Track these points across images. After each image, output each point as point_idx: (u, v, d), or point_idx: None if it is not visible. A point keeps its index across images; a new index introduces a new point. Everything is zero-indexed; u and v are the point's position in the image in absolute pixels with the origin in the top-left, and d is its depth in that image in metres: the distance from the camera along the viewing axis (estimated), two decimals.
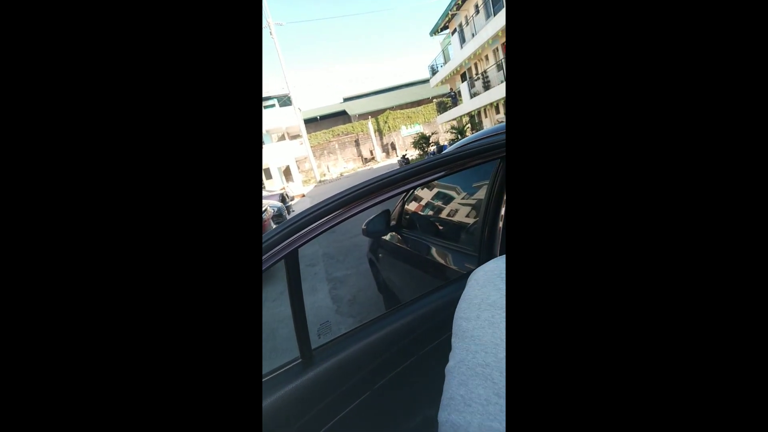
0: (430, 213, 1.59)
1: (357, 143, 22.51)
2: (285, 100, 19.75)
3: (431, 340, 0.88)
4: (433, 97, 22.01)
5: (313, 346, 0.77)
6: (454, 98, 16.95)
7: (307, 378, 0.71)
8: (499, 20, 11.31)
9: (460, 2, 13.90)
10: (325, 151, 22.24)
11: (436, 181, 1.64)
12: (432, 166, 0.77)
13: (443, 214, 1.50)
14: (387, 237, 1.85)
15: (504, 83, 11.68)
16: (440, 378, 0.30)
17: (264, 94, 19.97)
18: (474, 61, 15.22)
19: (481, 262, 1.01)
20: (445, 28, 16.51)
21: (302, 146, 18.92)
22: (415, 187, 0.79)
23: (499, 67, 12.30)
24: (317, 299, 3.15)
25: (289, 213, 7.64)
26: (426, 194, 1.68)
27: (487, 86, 13.18)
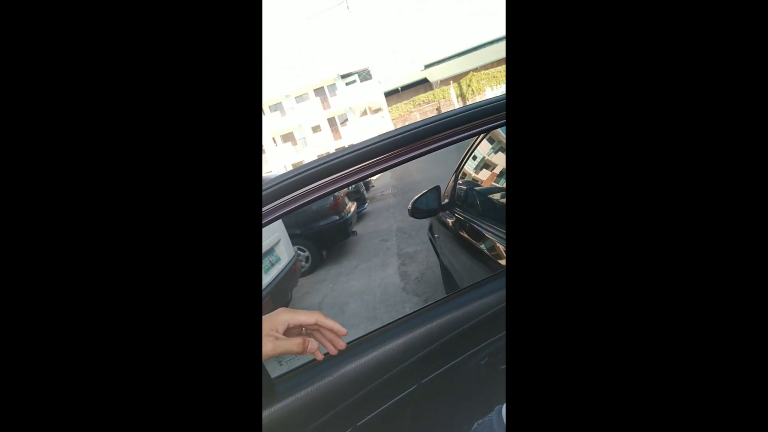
0: (487, 188, 1.39)
1: (439, 111, 21.71)
2: (365, 75, 19.89)
3: (466, 347, 0.75)
4: None
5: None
6: None
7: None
8: None
9: None
10: (407, 122, 22.02)
11: (494, 150, 1.41)
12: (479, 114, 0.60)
13: (501, 190, 1.29)
14: (442, 217, 1.69)
15: None
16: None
17: (344, 71, 20.39)
18: None
19: None
20: None
21: (383, 120, 19.00)
22: (449, 144, 0.61)
23: None
24: (387, 275, 3.16)
25: (368, 190, 7.80)
26: (482, 165, 1.47)
27: None
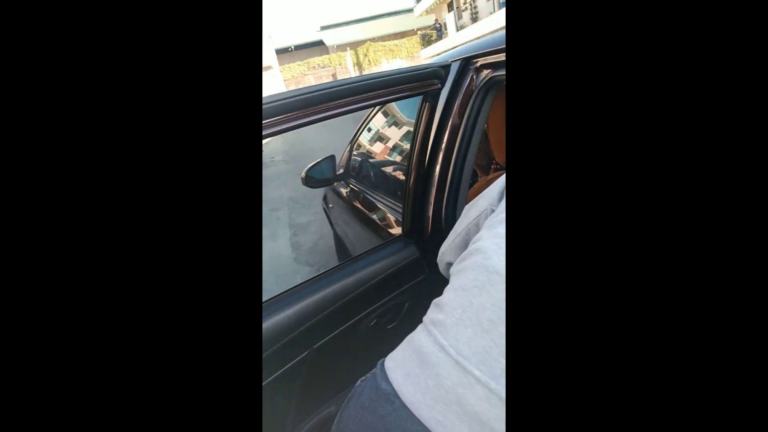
0: (381, 161, 1.43)
1: (334, 78, 21.11)
2: None
3: (356, 311, 0.78)
4: (417, 29, 20.42)
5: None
6: (440, 30, 15.81)
7: None
8: None
9: None
10: (300, 86, 20.86)
11: (388, 124, 1.46)
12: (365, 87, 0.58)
13: (393, 164, 1.34)
14: (336, 187, 1.70)
15: (492, 14, 10.83)
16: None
17: None
18: None
19: (405, 223, 0.89)
20: None
21: (274, 79, 17.60)
22: (346, 113, 0.60)
23: None
24: (277, 246, 3.06)
25: None
26: (376, 138, 1.51)
27: (475, 18, 12.21)
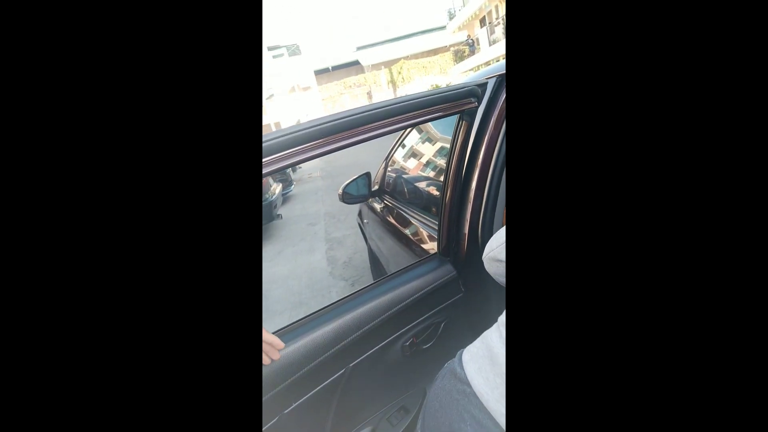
0: (415, 177, 1.44)
1: (370, 96, 21.61)
2: (294, 50, 18.84)
3: (392, 330, 0.78)
4: (450, 45, 20.56)
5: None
6: (472, 46, 15.81)
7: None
8: None
9: None
10: (337, 105, 21.52)
11: (423, 140, 1.46)
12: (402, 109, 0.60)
13: (428, 180, 1.34)
14: (371, 203, 1.72)
15: None
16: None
17: (272, 44, 19.06)
18: (495, 3, 13.91)
19: (441, 241, 0.88)
20: None
21: (313, 99, 18.32)
22: (378, 136, 0.61)
23: None
24: (314, 260, 3.12)
25: (294, 171, 7.52)
26: (411, 154, 1.52)
27: None
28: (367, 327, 0.74)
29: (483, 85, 0.68)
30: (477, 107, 0.68)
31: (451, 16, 17.16)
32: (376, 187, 1.65)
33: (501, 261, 0.56)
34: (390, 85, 21.23)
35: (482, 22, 14.97)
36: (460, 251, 0.86)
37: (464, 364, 0.46)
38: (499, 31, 12.62)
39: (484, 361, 0.44)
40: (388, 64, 21.49)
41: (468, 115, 0.70)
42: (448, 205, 0.83)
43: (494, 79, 0.78)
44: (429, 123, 1.38)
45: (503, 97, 0.76)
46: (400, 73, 20.95)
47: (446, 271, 0.85)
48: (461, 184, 0.81)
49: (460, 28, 17.20)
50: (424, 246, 1.14)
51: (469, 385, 0.43)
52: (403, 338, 0.81)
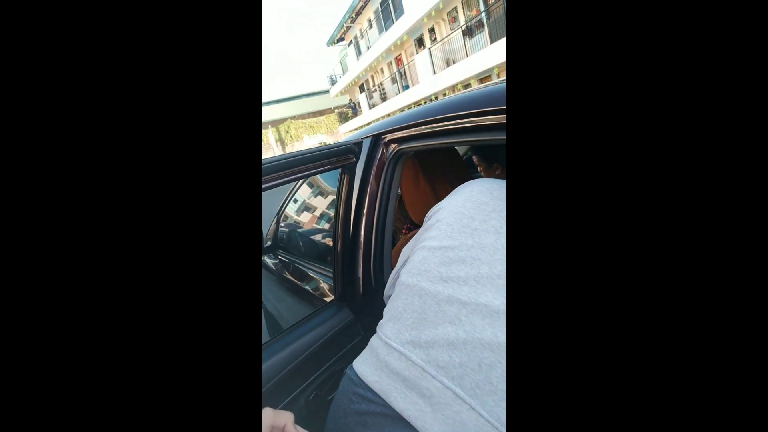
0: (310, 230, 1.46)
1: None
2: None
3: (294, 386, 0.75)
4: (334, 107, 22.08)
5: None
6: (354, 108, 17.26)
7: None
8: (392, 35, 11.87)
9: (354, 15, 14.24)
10: None
11: (314, 194, 1.52)
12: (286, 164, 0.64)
13: (318, 232, 1.39)
14: (264, 261, 1.66)
15: (398, 95, 12.27)
16: None
17: None
18: (371, 73, 15.72)
19: (337, 287, 0.92)
20: (341, 39, 16.74)
21: None
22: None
23: (393, 79, 12.89)
24: None
25: None
26: (302, 209, 1.55)
27: (384, 98, 13.69)
28: (265, 388, 0.71)
29: (359, 144, 0.78)
30: (356, 162, 0.78)
31: (333, 82, 18.63)
32: (269, 243, 1.62)
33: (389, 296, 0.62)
34: (278, 143, 21.37)
35: (361, 88, 16.63)
36: (356, 294, 0.91)
37: (355, 365, 0.48)
38: (377, 97, 14.15)
39: (367, 353, 0.48)
40: (275, 123, 21.78)
41: (348, 170, 0.79)
42: (340, 253, 0.88)
43: (369, 139, 0.90)
44: (318, 177, 1.46)
45: (379, 154, 0.89)
46: (288, 131, 21.36)
47: (344, 315, 0.88)
48: (351, 231, 0.88)
49: (342, 93, 18.72)
50: (321, 297, 1.16)
51: (360, 379, 0.45)
52: (307, 392, 0.79)
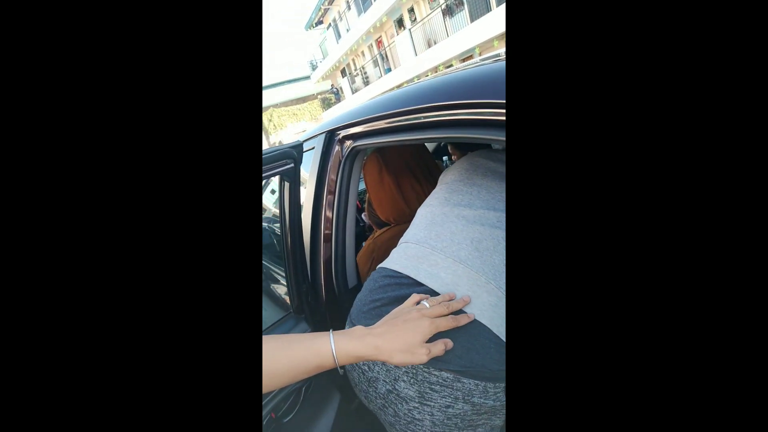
0: (276, 231, 1.38)
1: None
2: None
3: None
4: (317, 94, 21.60)
5: None
6: (337, 94, 16.93)
7: None
8: (371, 16, 11.53)
9: None
10: None
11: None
12: None
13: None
14: None
15: (381, 78, 12.01)
16: None
17: None
18: (351, 57, 15.35)
19: (293, 301, 0.84)
20: (320, 22, 16.23)
21: None
22: None
23: (375, 62, 12.59)
24: None
25: None
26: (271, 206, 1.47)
27: (366, 82, 13.41)
28: None
29: (298, 147, 0.69)
30: (295, 167, 0.69)
31: (314, 67, 18.17)
32: None
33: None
34: (263, 132, 20.91)
35: (343, 72, 16.26)
36: (317, 305, 0.84)
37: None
38: (360, 81, 13.85)
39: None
40: None
41: (287, 176, 0.70)
42: (293, 266, 0.81)
43: (324, 135, 0.82)
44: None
45: (334, 151, 0.80)
46: (270, 120, 20.87)
47: (301, 330, 0.81)
48: (300, 240, 0.80)
49: (323, 78, 18.30)
50: (285, 307, 1.08)
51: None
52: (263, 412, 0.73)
